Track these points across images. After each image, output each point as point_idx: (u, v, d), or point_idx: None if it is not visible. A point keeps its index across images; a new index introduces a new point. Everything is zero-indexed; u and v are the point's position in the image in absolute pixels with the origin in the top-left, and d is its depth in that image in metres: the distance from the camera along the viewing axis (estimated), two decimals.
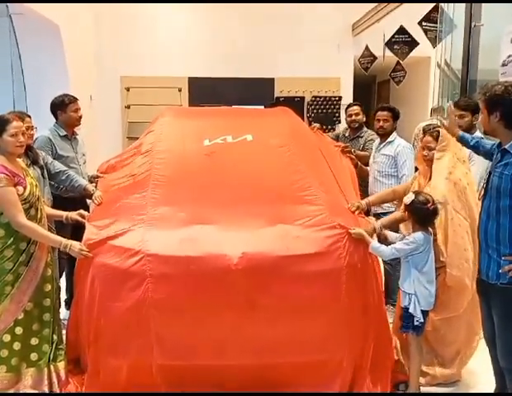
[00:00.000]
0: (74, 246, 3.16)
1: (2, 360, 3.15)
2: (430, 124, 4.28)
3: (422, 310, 3.11)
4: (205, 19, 8.63)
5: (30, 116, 3.89)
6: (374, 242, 3.16)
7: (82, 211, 3.57)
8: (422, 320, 3.11)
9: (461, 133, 3.15)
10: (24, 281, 3.15)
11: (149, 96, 8.10)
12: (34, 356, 3.23)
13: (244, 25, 8.51)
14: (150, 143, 4.08)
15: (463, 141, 3.14)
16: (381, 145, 4.53)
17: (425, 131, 3.70)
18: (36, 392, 3.20)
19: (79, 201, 4.05)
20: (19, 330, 3.17)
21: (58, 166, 4.03)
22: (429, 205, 3.06)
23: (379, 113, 4.58)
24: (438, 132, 3.42)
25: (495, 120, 2.67)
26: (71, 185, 4.02)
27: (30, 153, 3.77)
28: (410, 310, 3.12)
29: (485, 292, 2.81)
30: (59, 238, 3.26)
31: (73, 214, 3.54)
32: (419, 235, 3.09)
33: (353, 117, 5.05)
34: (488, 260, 2.71)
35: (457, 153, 3.33)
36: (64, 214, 3.57)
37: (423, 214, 3.10)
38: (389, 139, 4.50)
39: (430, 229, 3.16)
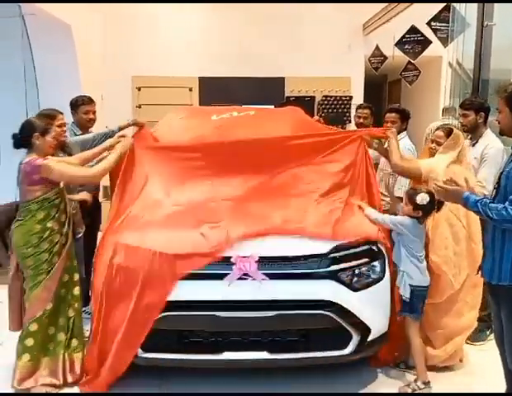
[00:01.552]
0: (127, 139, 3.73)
1: (26, 349, 3.27)
2: (445, 124, 4.32)
3: (417, 287, 3.31)
4: (215, 19, 8.64)
5: (62, 113, 4.02)
6: (368, 209, 3.55)
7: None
8: (407, 295, 3.31)
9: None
10: (57, 271, 3.34)
11: (160, 95, 8.13)
12: (51, 346, 3.35)
13: (255, 25, 8.51)
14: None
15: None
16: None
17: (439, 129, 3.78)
18: (42, 392, 3.28)
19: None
20: (45, 320, 3.30)
21: (85, 137, 4.19)
22: (435, 197, 3.21)
23: (387, 115, 4.66)
24: (451, 129, 3.59)
25: None
26: (108, 136, 4.19)
27: (66, 149, 3.98)
28: (398, 283, 3.36)
29: (493, 292, 2.80)
30: (112, 154, 3.60)
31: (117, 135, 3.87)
32: (408, 221, 3.33)
33: (362, 120, 5.08)
34: (493, 261, 2.69)
35: (460, 153, 3.53)
36: (108, 141, 3.86)
37: (431, 208, 3.29)
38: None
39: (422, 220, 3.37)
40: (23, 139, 3.33)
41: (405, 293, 3.33)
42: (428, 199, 3.22)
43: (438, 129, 3.77)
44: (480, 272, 2.85)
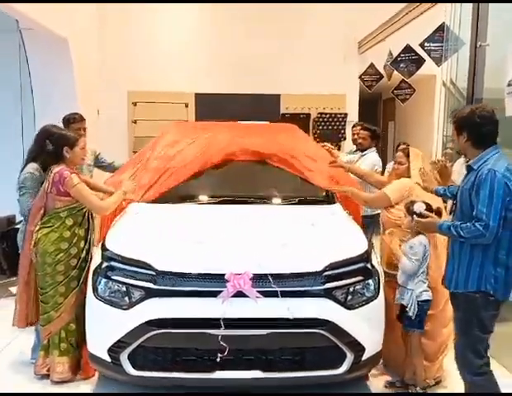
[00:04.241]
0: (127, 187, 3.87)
1: (70, 348, 3.56)
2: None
3: (426, 302, 3.41)
4: (211, 35, 8.70)
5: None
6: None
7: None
8: (415, 313, 3.37)
9: (434, 188, 3.52)
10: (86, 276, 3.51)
11: (156, 111, 8.14)
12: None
13: (251, 42, 8.55)
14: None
15: (436, 193, 3.45)
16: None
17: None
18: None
19: None
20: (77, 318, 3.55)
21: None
22: (434, 208, 3.35)
23: (361, 132, 5.46)
24: (409, 149, 3.93)
25: (463, 140, 2.89)
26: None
27: None
28: (406, 302, 3.41)
29: (452, 299, 3.02)
30: (119, 192, 3.81)
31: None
32: (424, 240, 3.43)
33: (355, 136, 5.71)
34: (452, 269, 2.91)
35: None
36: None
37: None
38: (363, 153, 5.39)
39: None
40: (54, 151, 3.53)
41: (414, 311, 3.39)
42: (424, 207, 3.31)
43: (398, 151, 4.09)
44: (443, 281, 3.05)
